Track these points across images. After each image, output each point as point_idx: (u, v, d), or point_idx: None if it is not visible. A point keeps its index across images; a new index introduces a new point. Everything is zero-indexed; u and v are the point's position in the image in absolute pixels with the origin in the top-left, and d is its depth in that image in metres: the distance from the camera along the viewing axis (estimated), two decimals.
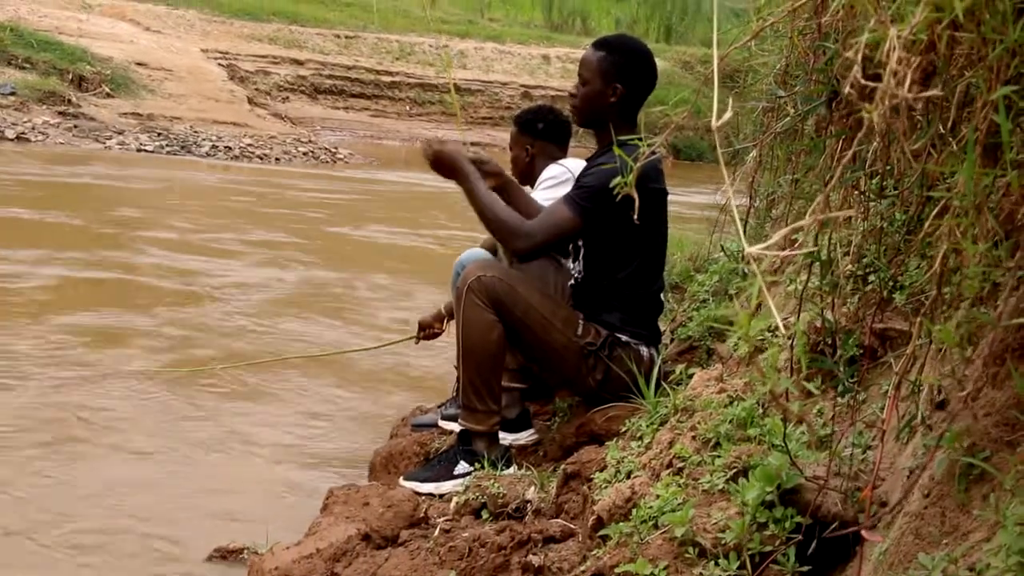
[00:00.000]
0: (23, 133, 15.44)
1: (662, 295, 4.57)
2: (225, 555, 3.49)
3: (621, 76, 3.78)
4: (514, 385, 3.97)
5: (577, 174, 4.27)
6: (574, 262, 4.01)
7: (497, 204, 3.73)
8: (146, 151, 16.04)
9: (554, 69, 25.94)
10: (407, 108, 24.55)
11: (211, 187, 13.58)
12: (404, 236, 10.91)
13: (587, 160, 3.97)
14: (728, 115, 1.19)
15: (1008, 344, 1.67)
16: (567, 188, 4.25)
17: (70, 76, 18.00)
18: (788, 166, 3.17)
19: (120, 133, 16.69)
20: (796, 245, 2.05)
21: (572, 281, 3.98)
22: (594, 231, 3.71)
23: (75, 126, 16.47)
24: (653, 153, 3.77)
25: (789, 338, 1.45)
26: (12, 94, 16.58)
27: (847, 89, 1.13)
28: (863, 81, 1.08)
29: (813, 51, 1.90)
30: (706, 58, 25.97)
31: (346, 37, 25.55)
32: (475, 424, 3.69)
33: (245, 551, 3.47)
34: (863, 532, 1.74)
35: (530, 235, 3.63)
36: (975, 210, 1.40)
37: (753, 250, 1.11)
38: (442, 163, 3.75)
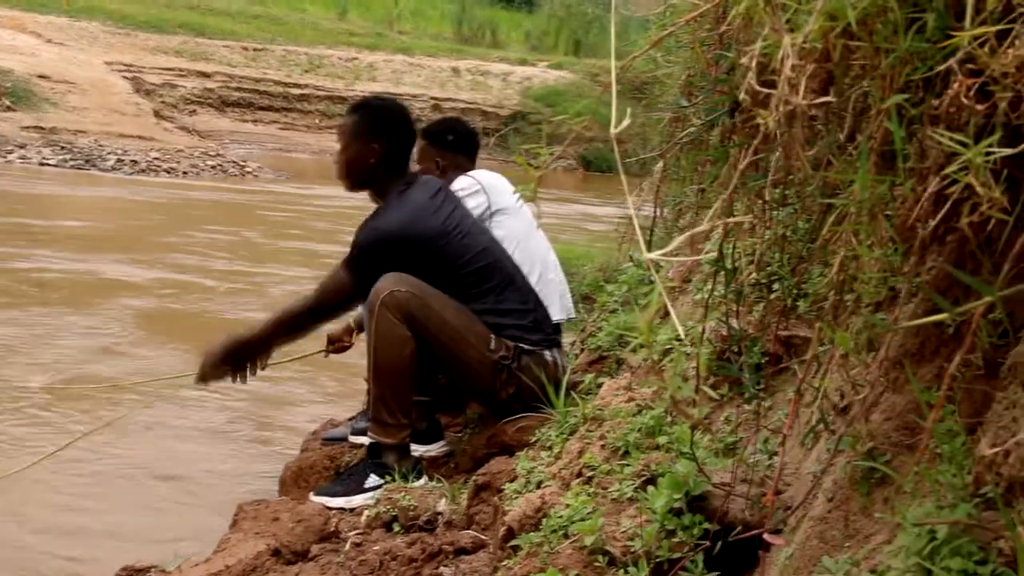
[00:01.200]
0: None
1: (565, 300, 4.59)
2: (132, 574, 3.42)
3: (377, 134, 3.87)
4: (421, 398, 3.96)
5: (486, 185, 4.29)
6: None
7: (276, 325, 3.87)
8: (49, 165, 15.73)
9: (464, 81, 25.94)
10: (316, 121, 24.37)
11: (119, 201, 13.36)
12: (315, 247, 10.80)
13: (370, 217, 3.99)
14: (626, 122, 1.20)
15: (906, 348, 1.70)
16: (477, 199, 4.27)
17: None
18: (694, 176, 3.20)
19: (22, 147, 16.34)
20: (701, 254, 2.07)
21: None
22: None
23: None
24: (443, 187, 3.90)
25: (693, 345, 1.46)
26: None
27: (742, 95, 1.15)
28: (758, 88, 1.10)
29: (715, 61, 1.92)
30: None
31: (254, 50, 25.30)
32: (385, 437, 3.68)
33: (152, 570, 3.40)
34: (766, 536, 1.75)
35: (314, 310, 3.82)
36: (871, 217, 1.43)
37: (653, 255, 1.11)
38: (221, 366, 3.88)
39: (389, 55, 26.62)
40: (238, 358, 3.81)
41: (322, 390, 5.81)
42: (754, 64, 1.11)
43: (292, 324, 3.82)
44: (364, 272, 3.71)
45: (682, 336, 1.14)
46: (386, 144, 3.83)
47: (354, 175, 3.91)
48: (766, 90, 1.11)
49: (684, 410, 1.15)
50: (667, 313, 1.12)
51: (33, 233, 10.02)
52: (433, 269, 3.76)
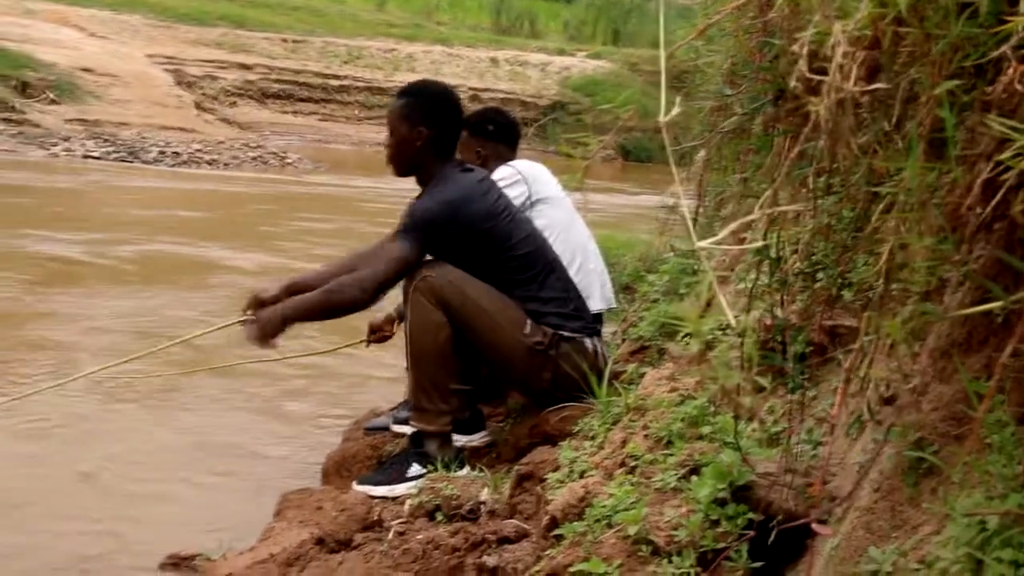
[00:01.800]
0: None
1: (605, 289, 4.58)
2: (178, 562, 3.45)
3: (424, 118, 3.85)
4: (463, 387, 3.96)
5: (526, 175, 4.29)
6: None
7: (315, 298, 3.76)
8: (92, 157, 15.86)
9: (503, 72, 25.94)
10: (356, 112, 24.46)
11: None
12: (355, 236, 10.83)
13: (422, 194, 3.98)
14: (675, 111, 1.19)
15: (954, 338, 1.69)
16: (518, 189, 4.26)
17: (14, 83, 17.76)
18: (737, 165, 3.19)
19: (66, 140, 16.49)
20: (746, 243, 2.06)
21: None
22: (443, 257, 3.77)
23: (20, 132, 16.26)
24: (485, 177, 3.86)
25: (739, 335, 1.45)
26: None
27: (793, 83, 1.14)
28: (809, 75, 1.09)
29: (759, 49, 1.91)
30: (653, 59, 26.06)
31: (293, 41, 25.41)
32: (426, 424, 3.69)
33: (198, 557, 3.42)
34: (813, 526, 1.75)
35: (364, 286, 3.67)
36: (920, 206, 1.41)
37: (703, 244, 1.11)
38: (267, 332, 3.78)
39: (428, 46, 26.67)
40: (285, 326, 3.77)
41: (364, 379, 5.83)
42: (805, 51, 1.10)
43: (343, 301, 3.71)
44: (420, 243, 3.70)
45: (732, 325, 1.14)
46: (434, 128, 3.84)
47: (402, 159, 3.92)
48: (817, 77, 1.10)
49: (735, 399, 1.15)
50: (710, 303, 1.12)
51: (137, 223, 10.14)
52: (480, 250, 3.77)
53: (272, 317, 3.72)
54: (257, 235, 10.49)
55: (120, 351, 5.06)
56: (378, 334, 4.73)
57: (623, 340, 4.62)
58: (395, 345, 4.97)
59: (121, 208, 11.67)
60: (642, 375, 3.45)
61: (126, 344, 5.70)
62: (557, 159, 5.69)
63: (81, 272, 8.03)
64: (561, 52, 27.85)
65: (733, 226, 1.14)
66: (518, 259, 3.84)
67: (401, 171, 3.96)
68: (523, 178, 4.39)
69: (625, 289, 5.81)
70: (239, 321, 3.88)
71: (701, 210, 3.57)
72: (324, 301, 3.71)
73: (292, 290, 3.88)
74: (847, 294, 2.38)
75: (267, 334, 3.72)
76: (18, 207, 10.86)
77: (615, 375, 3.76)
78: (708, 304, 1.23)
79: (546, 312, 3.83)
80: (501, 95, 24.47)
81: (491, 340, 3.72)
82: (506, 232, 3.84)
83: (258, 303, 3.84)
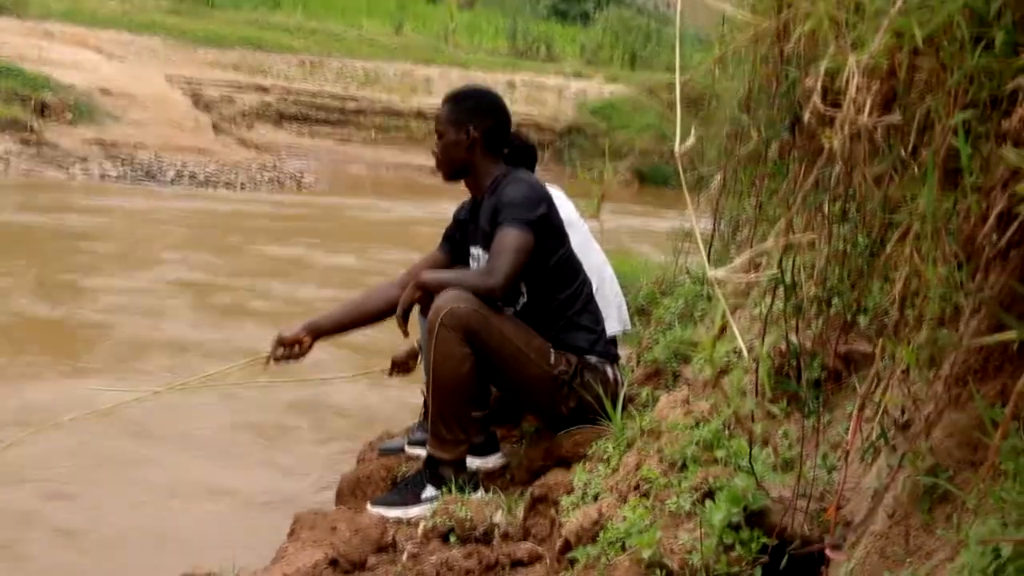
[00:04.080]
0: None
1: (621, 312, 4.60)
2: None
3: (471, 119, 3.88)
4: (477, 413, 3.96)
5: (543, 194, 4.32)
6: None
7: (451, 275, 3.84)
8: (110, 178, 15.94)
9: (519, 95, 25.94)
10: (372, 134, 24.50)
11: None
12: (376, 263, 10.86)
13: (477, 199, 4.02)
14: (691, 141, 1.21)
15: (970, 365, 1.70)
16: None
17: (32, 103, 17.86)
18: (752, 190, 3.19)
19: (83, 160, 16.57)
20: (760, 269, 2.07)
21: (514, 308, 3.93)
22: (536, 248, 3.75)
23: (38, 153, 16.35)
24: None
25: (753, 361, 1.46)
26: None
27: (807, 116, 1.15)
28: (823, 108, 1.10)
29: (775, 77, 1.92)
30: (670, 84, 26.09)
31: (311, 64, 25.51)
32: (443, 453, 3.69)
33: None
34: (827, 551, 1.75)
35: (493, 273, 3.64)
36: (935, 234, 1.42)
37: (717, 273, 1.12)
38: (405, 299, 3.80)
39: (445, 69, 26.71)
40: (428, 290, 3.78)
41: (382, 401, 5.84)
42: (819, 86, 1.12)
43: (477, 286, 3.65)
44: (534, 231, 3.70)
45: (744, 353, 1.14)
46: (481, 129, 3.87)
47: (451, 162, 3.94)
48: (832, 111, 1.12)
49: (747, 425, 1.16)
50: (724, 329, 1.13)
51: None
52: (550, 257, 3.82)
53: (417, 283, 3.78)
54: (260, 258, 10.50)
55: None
56: (400, 367, 4.75)
57: (638, 363, 4.63)
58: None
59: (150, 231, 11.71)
60: (656, 399, 3.45)
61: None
62: (573, 183, 5.72)
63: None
64: (578, 76, 27.88)
65: (747, 255, 1.15)
66: (571, 276, 3.89)
67: (450, 175, 3.99)
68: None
69: (640, 312, 5.83)
70: (262, 359, 3.96)
71: (716, 235, 3.57)
72: (459, 278, 3.76)
73: (313, 329, 3.96)
74: (862, 320, 2.39)
75: (406, 300, 3.77)
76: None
77: (630, 398, 3.76)
78: (722, 330, 1.24)
79: (576, 336, 3.84)
80: (518, 118, 24.25)
81: (517, 371, 3.72)
82: (561, 233, 3.90)
83: (280, 343, 3.93)
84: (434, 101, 24.72)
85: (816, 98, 1.12)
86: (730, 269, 1.13)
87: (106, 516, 3.96)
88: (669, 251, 6.85)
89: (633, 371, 4.49)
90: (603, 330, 4.00)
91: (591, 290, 4.02)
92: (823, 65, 1.13)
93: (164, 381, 4.51)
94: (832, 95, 1.20)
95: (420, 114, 24.27)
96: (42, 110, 17.94)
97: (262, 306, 8.13)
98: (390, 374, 4.78)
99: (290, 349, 3.94)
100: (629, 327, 4.89)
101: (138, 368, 6.05)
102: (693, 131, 1.25)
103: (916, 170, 1.47)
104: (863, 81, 1.08)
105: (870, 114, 1.10)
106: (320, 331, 3.98)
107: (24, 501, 4.04)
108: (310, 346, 3.95)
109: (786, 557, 2.02)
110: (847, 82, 1.10)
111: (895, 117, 1.24)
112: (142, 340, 6.70)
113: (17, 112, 17.23)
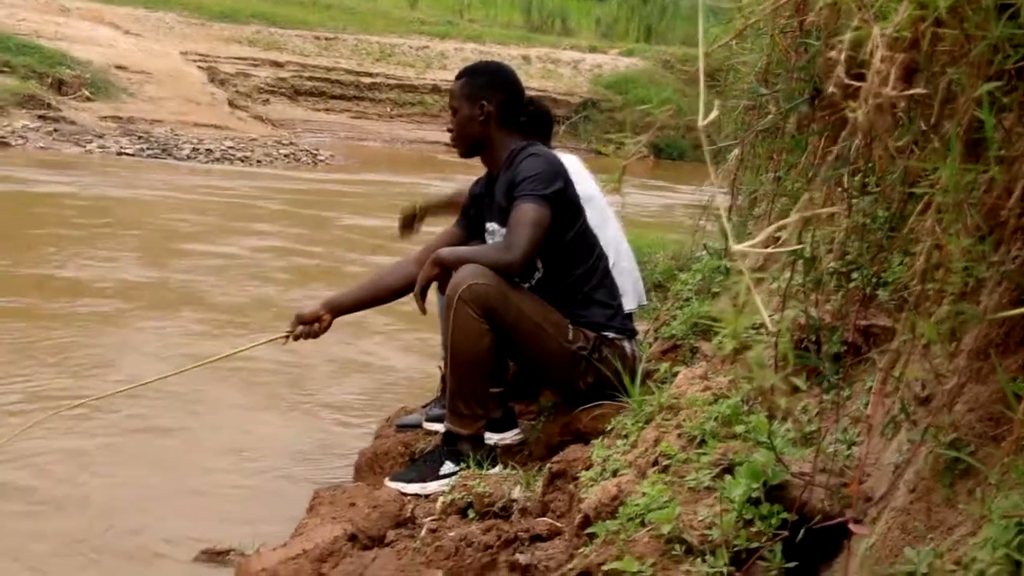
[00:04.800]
0: (3, 137, 15.35)
1: (637, 287, 4.59)
2: (212, 556, 3.49)
3: (485, 94, 3.90)
4: (495, 389, 3.95)
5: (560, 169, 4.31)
6: None
7: (469, 250, 3.86)
8: (127, 154, 15.97)
9: (534, 69, 25.90)
10: (388, 109, 24.50)
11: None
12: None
13: (493, 174, 4.02)
14: (714, 115, 1.20)
15: (991, 339, 1.69)
16: None
17: (49, 80, 17.91)
18: (770, 164, 3.18)
19: (100, 136, 16.61)
20: (779, 242, 2.06)
21: (530, 283, 3.92)
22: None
23: (55, 130, 16.38)
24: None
25: (773, 335, 1.46)
26: None
27: (831, 88, 1.14)
28: (847, 80, 1.09)
29: (795, 49, 1.91)
30: (686, 57, 26.02)
31: (326, 39, 25.50)
32: (461, 428, 3.69)
33: (232, 552, 3.47)
34: (850, 525, 1.74)
35: (511, 248, 3.63)
36: (957, 206, 1.41)
37: (740, 248, 1.11)
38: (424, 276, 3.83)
39: (460, 43, 26.69)
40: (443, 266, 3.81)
41: (396, 375, 5.85)
42: (843, 57, 1.10)
43: (496, 261, 3.65)
44: (551, 205, 3.69)
45: (769, 327, 1.14)
46: (495, 103, 3.88)
47: (466, 137, 3.95)
48: (855, 83, 1.10)
49: (771, 399, 1.15)
50: (746, 302, 1.12)
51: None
52: (567, 232, 3.81)
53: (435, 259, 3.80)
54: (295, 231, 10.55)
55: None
56: (406, 227, 4.77)
57: (655, 338, 4.62)
58: (424, 343, 4.98)
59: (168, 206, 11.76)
60: (675, 374, 3.45)
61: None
62: (588, 157, 5.70)
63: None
64: (593, 49, 27.81)
65: (770, 230, 1.14)
66: (587, 251, 3.88)
67: (466, 150, 4.00)
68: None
69: (657, 287, 5.81)
70: (281, 337, 3.97)
71: (734, 208, 3.56)
72: (477, 253, 3.76)
73: (332, 306, 3.98)
74: (882, 294, 2.38)
75: (424, 277, 3.80)
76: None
77: (648, 374, 3.76)
78: (744, 304, 1.24)
79: (592, 311, 3.83)
80: (533, 92, 24.16)
81: (535, 347, 3.72)
82: (578, 209, 3.90)
83: (299, 320, 3.95)
84: (449, 75, 24.70)
85: (840, 70, 1.11)
86: (753, 244, 1.12)
87: (126, 491, 3.98)
88: (685, 226, 6.84)
89: (650, 346, 4.48)
90: (620, 305, 3.99)
91: (607, 265, 4.01)
92: (848, 36, 1.12)
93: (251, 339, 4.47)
94: (854, 67, 1.19)
95: (435, 89, 24.28)
96: (59, 86, 17.99)
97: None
98: (400, 234, 4.79)
99: (309, 327, 3.95)
100: (645, 302, 4.88)
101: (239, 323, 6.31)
102: (715, 105, 1.24)
103: (938, 142, 1.46)
104: (887, 53, 1.07)
105: (893, 86, 1.09)
106: (339, 308, 3.99)
107: (44, 472, 4.07)
108: (329, 323, 3.96)
109: (803, 531, 2.02)
110: (871, 53, 1.09)
111: (920, 89, 1.23)
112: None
113: (35, 88, 17.30)
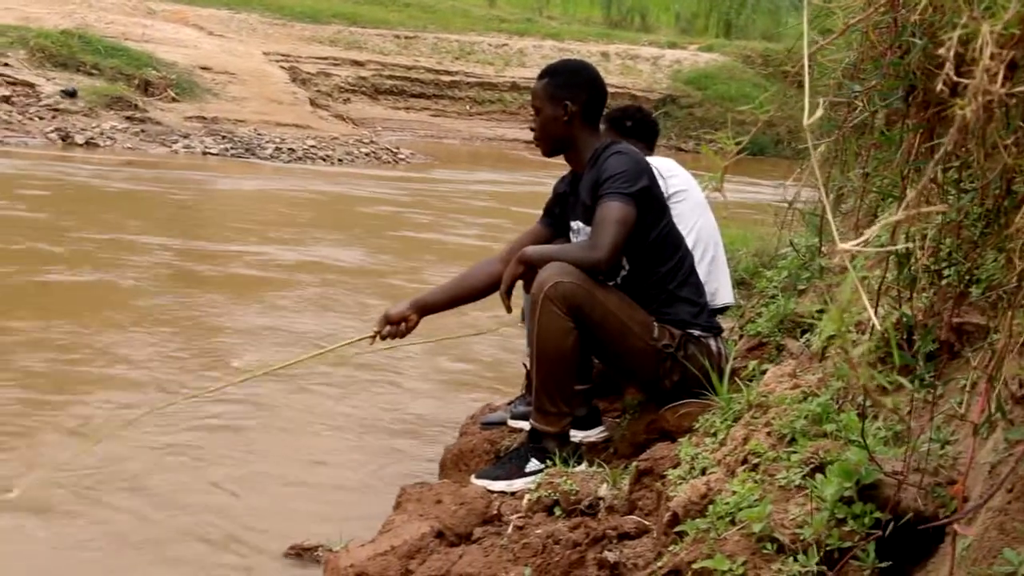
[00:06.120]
0: (92, 138, 15.69)
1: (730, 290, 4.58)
2: (300, 552, 3.54)
3: (567, 93, 3.88)
4: (580, 386, 3.95)
5: (663, 171, 4.31)
6: None
7: (554, 249, 3.85)
8: (211, 154, 16.22)
9: (613, 66, 25.84)
10: (467, 107, 24.62)
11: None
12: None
13: (578, 172, 4.01)
14: (819, 113, 1.19)
15: None
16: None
17: (136, 81, 18.25)
18: (858, 160, 3.15)
19: (186, 137, 16.89)
20: (872, 241, 2.04)
21: (615, 281, 3.90)
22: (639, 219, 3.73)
23: (142, 130, 16.70)
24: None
25: (871, 332, 1.45)
26: (72, 95, 16.80)
27: (939, 86, 1.13)
28: (955, 78, 1.08)
29: (889, 45, 1.89)
30: (767, 52, 25.81)
31: (406, 37, 25.68)
32: (547, 426, 3.70)
33: (320, 548, 3.51)
34: (956, 527, 1.73)
35: (597, 247, 3.63)
36: None
37: (847, 247, 1.11)
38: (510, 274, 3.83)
39: (538, 41, 26.71)
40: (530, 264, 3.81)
41: (478, 375, 5.88)
42: (951, 54, 1.10)
43: (582, 260, 3.64)
44: (636, 203, 3.68)
45: (877, 325, 1.13)
46: (578, 102, 3.87)
47: (550, 136, 3.94)
48: (963, 80, 1.10)
49: (875, 396, 1.15)
50: (849, 301, 1.12)
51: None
52: (652, 230, 3.80)
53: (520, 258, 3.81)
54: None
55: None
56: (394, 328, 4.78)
57: (741, 336, 4.59)
58: (510, 339, 4.99)
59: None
60: (763, 372, 3.43)
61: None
62: (668, 154, 5.70)
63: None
64: (672, 45, 27.69)
65: (876, 228, 1.14)
66: (672, 248, 3.88)
67: (549, 150, 3.99)
68: (660, 175, 4.39)
69: (740, 284, 5.78)
70: (369, 337, 4.00)
71: (826, 206, 3.53)
72: (562, 251, 3.77)
73: (419, 307, 3.98)
74: (975, 291, 2.35)
75: (510, 275, 3.81)
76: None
77: (734, 371, 3.74)
78: (847, 303, 1.23)
79: (678, 309, 3.82)
80: (612, 89, 24.15)
81: (620, 344, 3.72)
82: (670, 218, 3.89)
83: (387, 320, 3.96)
84: (528, 73, 24.81)
85: (949, 67, 1.10)
86: (859, 243, 1.12)
87: (215, 486, 4.05)
88: (767, 222, 6.79)
89: (735, 344, 4.46)
90: (705, 303, 3.98)
91: (692, 262, 3.99)
92: (957, 32, 1.11)
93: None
94: (960, 64, 1.18)
95: (514, 86, 24.35)
96: (146, 88, 18.31)
97: None
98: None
99: (396, 327, 3.97)
100: (732, 300, 4.87)
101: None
102: (821, 104, 1.24)
103: None
104: (997, 51, 1.06)
105: (1002, 84, 1.08)
106: (426, 308, 4.00)
107: (134, 467, 4.16)
108: (416, 323, 3.98)
109: (890, 529, 2.00)
110: (979, 51, 1.08)
111: None
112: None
113: (122, 90, 17.63)
